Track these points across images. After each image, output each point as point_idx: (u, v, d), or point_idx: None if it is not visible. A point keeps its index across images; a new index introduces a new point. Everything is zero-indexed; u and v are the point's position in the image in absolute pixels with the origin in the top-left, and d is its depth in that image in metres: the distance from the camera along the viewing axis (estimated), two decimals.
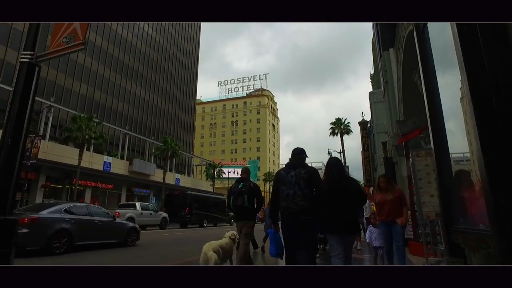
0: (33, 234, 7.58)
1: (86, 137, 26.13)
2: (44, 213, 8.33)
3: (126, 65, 43.45)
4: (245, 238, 5.42)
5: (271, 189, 6.87)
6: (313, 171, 3.90)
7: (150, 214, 19.60)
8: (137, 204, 19.01)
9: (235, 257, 5.50)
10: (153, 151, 41.52)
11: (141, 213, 18.62)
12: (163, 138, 40.17)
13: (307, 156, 4.12)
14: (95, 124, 27.15)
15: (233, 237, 5.61)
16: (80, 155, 25.32)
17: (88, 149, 30.50)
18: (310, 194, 3.70)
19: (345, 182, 3.89)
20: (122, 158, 37.01)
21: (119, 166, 34.42)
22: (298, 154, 4.03)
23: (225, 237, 5.57)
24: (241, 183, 5.54)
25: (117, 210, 17.38)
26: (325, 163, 4.27)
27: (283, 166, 4.24)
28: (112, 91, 40.55)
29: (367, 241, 5.73)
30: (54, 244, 8.00)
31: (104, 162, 32.09)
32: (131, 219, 17.44)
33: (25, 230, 7.38)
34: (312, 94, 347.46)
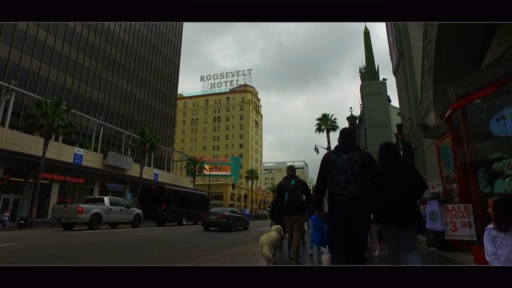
0: (226, 223, 17.03)
1: (55, 125, 23.32)
2: (226, 212, 18.06)
3: (102, 52, 40.43)
4: (297, 231, 5.71)
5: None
6: (369, 155, 3.56)
7: (121, 210, 17.24)
8: (106, 199, 16.54)
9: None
10: (130, 143, 38.71)
11: (110, 209, 16.23)
12: (140, 130, 37.41)
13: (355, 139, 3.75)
14: (63, 111, 24.36)
15: (279, 231, 5.88)
16: (45, 145, 22.52)
17: (56, 139, 27.65)
18: (365, 181, 3.36)
19: (404, 168, 3.50)
20: (95, 150, 34.11)
21: (91, 159, 31.56)
22: (349, 135, 3.67)
23: (271, 231, 5.85)
24: (293, 180, 5.76)
25: (81, 205, 14.95)
26: (379, 149, 3.83)
27: (332, 149, 3.81)
28: (86, 79, 37.49)
29: (490, 261, 2.95)
30: (231, 227, 17.18)
31: (75, 154, 29.21)
32: (97, 215, 15.06)
33: (224, 220, 17.05)
34: (295, 94, 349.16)
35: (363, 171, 3.36)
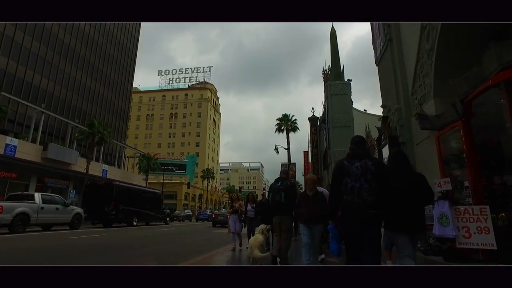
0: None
1: None
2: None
3: (47, 32, 36.15)
4: (286, 233, 5.89)
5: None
6: (381, 163, 3.68)
7: (57, 209, 14.41)
8: (37, 195, 13.69)
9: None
10: (76, 135, 35.06)
11: (42, 208, 13.45)
12: (89, 121, 33.99)
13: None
14: None
15: (263, 232, 6.23)
16: None
17: None
18: (378, 189, 3.35)
19: (414, 177, 3.66)
20: (34, 141, 30.34)
21: (28, 151, 27.87)
22: (361, 142, 3.64)
23: (258, 233, 6.18)
24: (280, 182, 6.11)
25: (0, 203, 12.16)
26: (389, 156, 4.04)
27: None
28: (26, 61, 33.20)
29: None
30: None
31: (7, 144, 25.41)
32: (23, 215, 12.35)
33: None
34: (254, 95, 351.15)
35: (376, 179, 3.36)
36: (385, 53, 10.01)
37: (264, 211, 10.12)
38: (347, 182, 3.39)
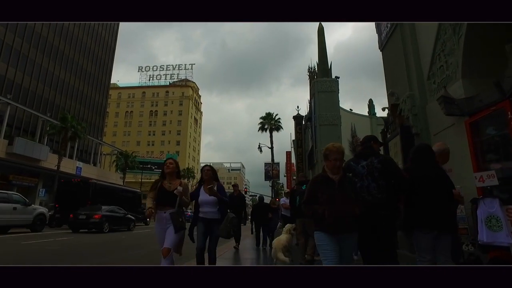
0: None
1: None
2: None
3: None
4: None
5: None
6: (388, 159, 3.53)
7: (14, 209, 12.48)
8: None
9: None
10: (48, 129, 32.71)
11: None
12: (61, 114, 31.77)
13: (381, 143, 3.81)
14: None
15: (290, 231, 6.13)
16: None
17: None
18: (387, 186, 3.28)
19: (440, 171, 3.38)
20: None
21: None
22: (368, 141, 3.65)
23: (284, 232, 6.08)
24: (304, 185, 6.27)
25: None
26: (413, 149, 3.65)
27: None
28: None
29: None
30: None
31: None
32: None
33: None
34: (237, 96, 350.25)
35: (384, 176, 3.30)
36: (393, 35, 8.95)
37: (257, 211, 8.94)
38: (355, 181, 3.27)
